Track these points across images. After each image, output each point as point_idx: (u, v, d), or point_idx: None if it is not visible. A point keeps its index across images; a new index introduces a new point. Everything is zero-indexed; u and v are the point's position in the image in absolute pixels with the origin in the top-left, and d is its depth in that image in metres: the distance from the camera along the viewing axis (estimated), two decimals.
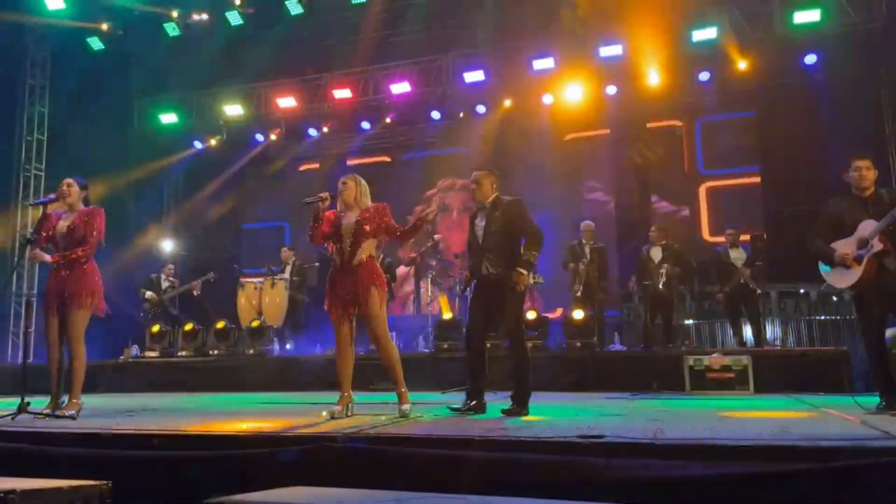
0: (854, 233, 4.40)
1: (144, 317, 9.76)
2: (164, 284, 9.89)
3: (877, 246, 4.28)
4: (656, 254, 8.32)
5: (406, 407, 4.31)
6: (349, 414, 4.32)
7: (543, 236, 4.67)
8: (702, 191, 11.77)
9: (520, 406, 4.42)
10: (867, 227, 4.34)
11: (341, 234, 4.42)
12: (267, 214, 13.64)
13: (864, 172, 4.38)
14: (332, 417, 4.13)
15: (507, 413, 4.37)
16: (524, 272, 4.52)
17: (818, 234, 4.61)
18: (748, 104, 11.44)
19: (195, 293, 9.87)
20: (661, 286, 8.09)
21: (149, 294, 9.79)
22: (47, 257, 4.77)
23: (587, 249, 8.63)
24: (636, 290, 8.84)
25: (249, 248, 13.66)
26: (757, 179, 11.35)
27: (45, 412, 4.39)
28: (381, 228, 4.46)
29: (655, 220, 10.82)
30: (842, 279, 4.49)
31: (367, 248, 4.42)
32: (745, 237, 9.02)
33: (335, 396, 4.44)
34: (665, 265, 8.19)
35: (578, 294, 8.51)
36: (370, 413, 4.45)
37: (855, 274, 4.38)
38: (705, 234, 11.50)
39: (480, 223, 4.67)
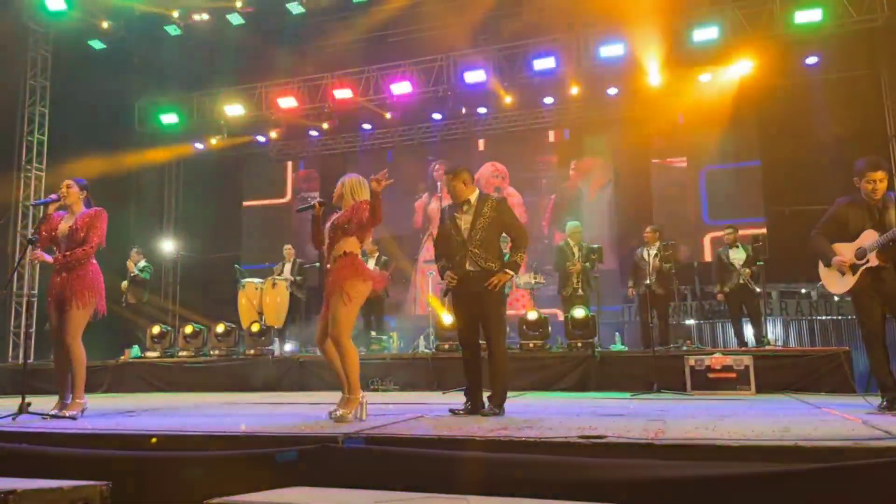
0: (856, 239, 4.40)
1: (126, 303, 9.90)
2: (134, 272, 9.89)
3: (872, 262, 4.30)
4: (651, 254, 8.32)
5: (340, 413, 4.02)
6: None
7: (529, 238, 4.66)
8: (706, 241, 11.73)
9: (498, 407, 4.37)
10: (868, 237, 4.34)
11: (325, 235, 4.41)
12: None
13: (878, 185, 4.33)
14: (332, 418, 4.12)
15: (485, 414, 4.33)
16: (511, 273, 4.50)
17: (822, 231, 4.60)
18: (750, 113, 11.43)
19: (133, 274, 9.77)
20: (654, 285, 8.05)
21: (123, 283, 9.86)
22: (48, 258, 4.76)
23: (575, 250, 8.65)
24: (633, 293, 8.84)
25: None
26: (762, 230, 11.27)
27: (49, 413, 4.38)
28: (357, 223, 4.24)
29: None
30: (835, 285, 4.52)
31: (343, 247, 4.30)
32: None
33: (336, 396, 4.43)
34: (660, 263, 8.21)
35: (579, 293, 8.50)
36: (370, 413, 4.43)
37: (848, 282, 4.40)
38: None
39: (466, 217, 4.53)
